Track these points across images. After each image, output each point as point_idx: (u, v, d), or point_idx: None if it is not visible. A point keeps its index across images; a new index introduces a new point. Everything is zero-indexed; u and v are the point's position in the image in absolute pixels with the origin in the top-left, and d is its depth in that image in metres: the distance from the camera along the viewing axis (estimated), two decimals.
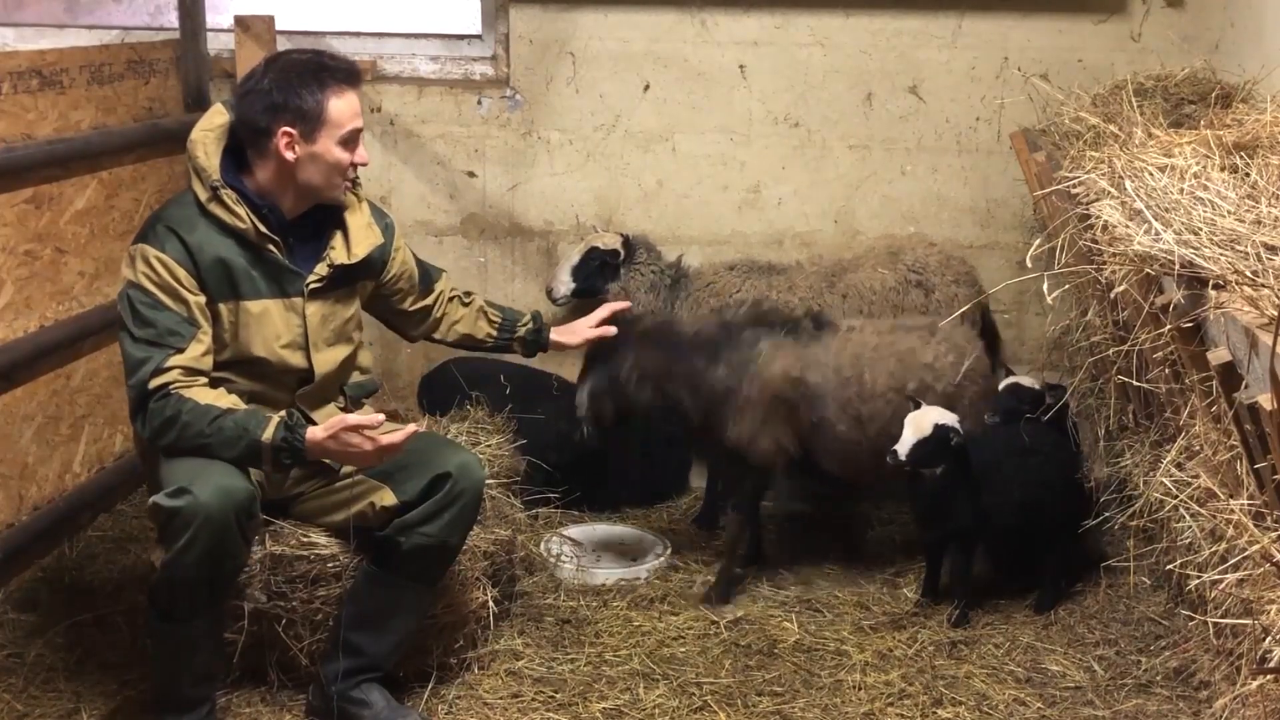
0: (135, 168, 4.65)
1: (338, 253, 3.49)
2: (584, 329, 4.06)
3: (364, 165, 3.45)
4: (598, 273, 4.88)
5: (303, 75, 3.33)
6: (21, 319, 4.10)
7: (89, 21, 5.39)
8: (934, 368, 4.28)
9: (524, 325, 3.98)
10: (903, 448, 3.90)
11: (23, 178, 4.05)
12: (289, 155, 3.32)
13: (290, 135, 3.31)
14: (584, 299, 4.93)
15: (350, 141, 3.38)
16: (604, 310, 4.11)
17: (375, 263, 3.61)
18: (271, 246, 3.37)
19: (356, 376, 3.67)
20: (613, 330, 4.07)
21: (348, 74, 3.38)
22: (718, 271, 4.95)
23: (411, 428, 3.33)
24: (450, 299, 3.90)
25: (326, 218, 3.50)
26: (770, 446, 4.23)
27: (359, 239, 3.53)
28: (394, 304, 3.77)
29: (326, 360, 3.51)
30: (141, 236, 3.35)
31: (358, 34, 5.28)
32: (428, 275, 3.84)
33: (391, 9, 5.32)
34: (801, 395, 4.19)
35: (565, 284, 4.92)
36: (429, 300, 3.84)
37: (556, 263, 5.07)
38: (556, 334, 4.05)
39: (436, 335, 3.92)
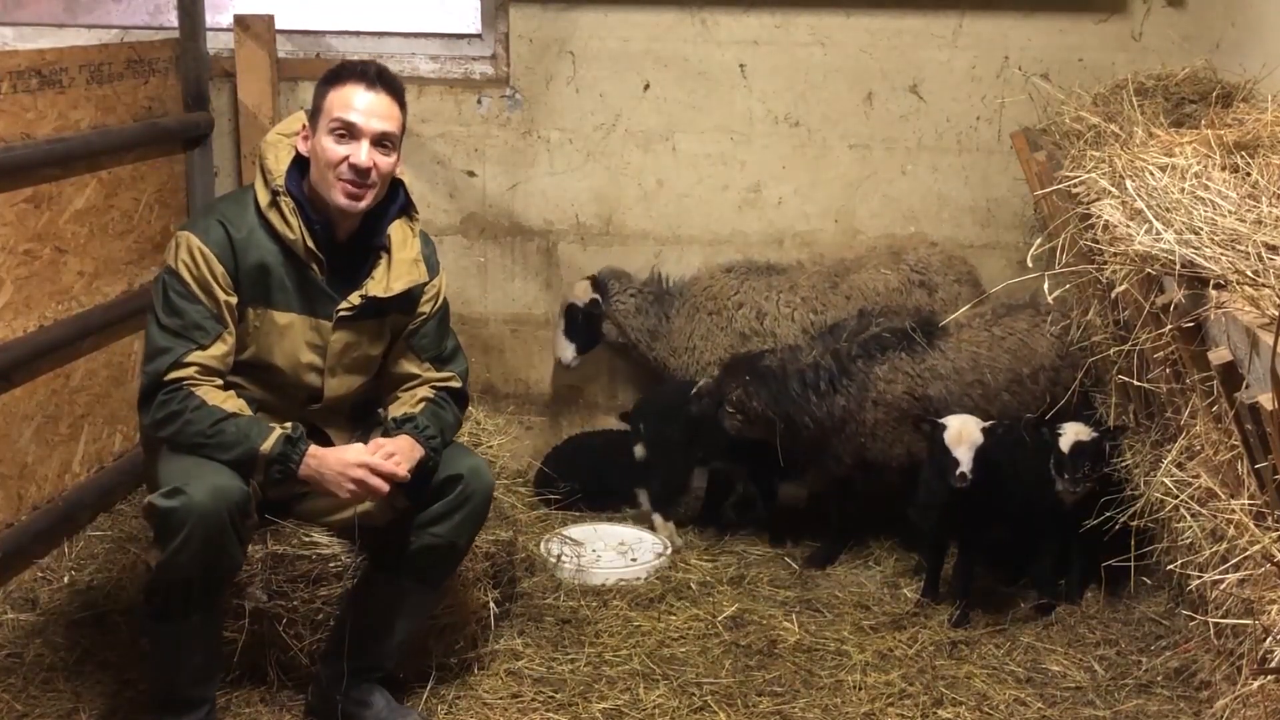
0: (134, 167, 4.65)
1: (375, 284, 3.41)
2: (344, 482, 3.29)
3: (359, 166, 3.27)
4: (585, 325, 4.93)
5: (326, 74, 3.37)
6: (21, 319, 4.09)
7: (88, 21, 5.39)
8: (1042, 349, 4.43)
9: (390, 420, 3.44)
10: (966, 467, 3.91)
11: (22, 177, 4.04)
12: (303, 149, 3.34)
13: (306, 129, 3.35)
14: (590, 352, 5.04)
15: (342, 134, 3.29)
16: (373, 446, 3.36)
17: (413, 299, 3.49)
18: (314, 265, 3.35)
19: (371, 399, 3.64)
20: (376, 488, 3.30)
21: (358, 72, 3.34)
22: (714, 275, 4.95)
23: (400, 475, 3.25)
24: (421, 387, 3.52)
25: (375, 245, 3.43)
26: (904, 453, 4.40)
27: (400, 273, 3.44)
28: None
29: (338, 386, 3.50)
30: (191, 223, 3.37)
31: (358, 34, 5.28)
32: (433, 352, 3.53)
33: (391, 9, 5.32)
34: (926, 410, 4.30)
35: (568, 349, 4.98)
36: (411, 370, 3.52)
37: (553, 331, 5.09)
38: (313, 483, 3.33)
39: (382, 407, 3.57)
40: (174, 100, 4.89)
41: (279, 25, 5.03)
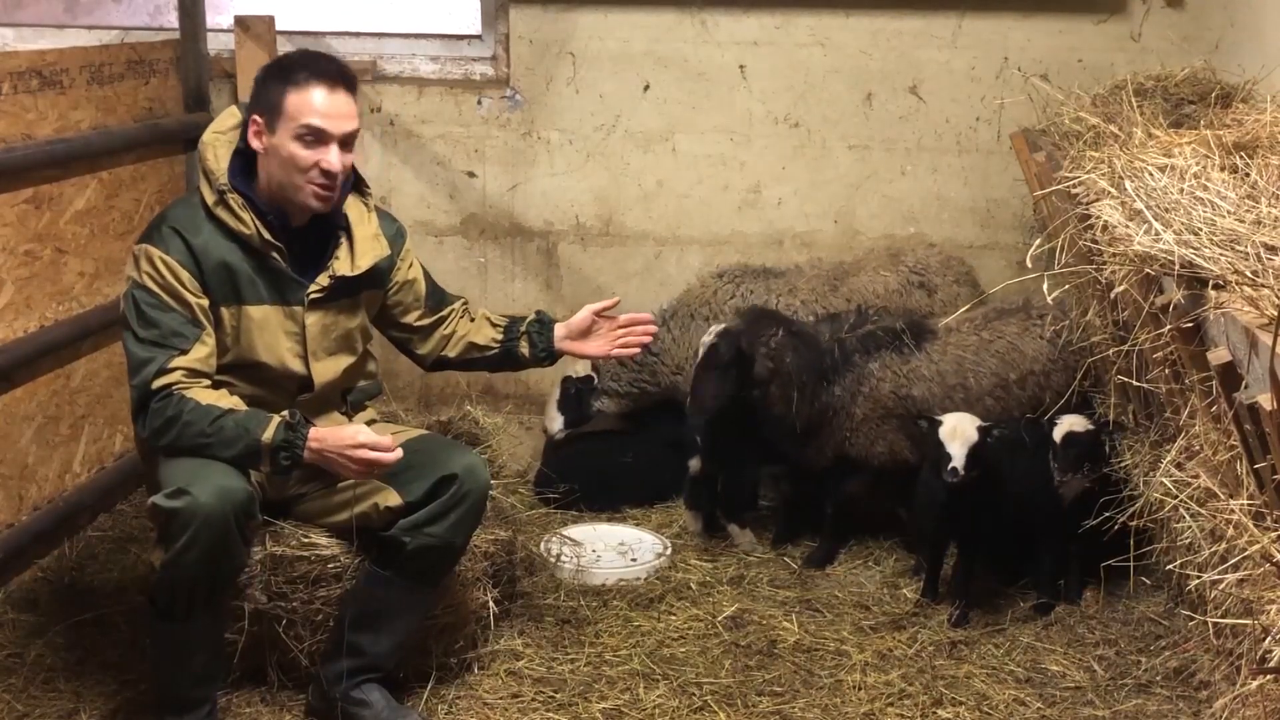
0: (135, 168, 4.65)
1: (341, 263, 3.46)
2: (601, 343, 3.79)
3: (331, 171, 3.28)
4: (577, 400, 4.96)
5: (279, 67, 3.36)
6: (21, 319, 4.09)
7: (89, 21, 5.39)
8: (1031, 353, 4.43)
9: (528, 321, 3.80)
10: (959, 463, 3.92)
11: (23, 178, 4.05)
12: (256, 144, 3.32)
13: (257, 124, 3.32)
14: (580, 426, 5.04)
15: (309, 139, 3.27)
16: (588, 311, 3.79)
17: (381, 274, 3.58)
18: (275, 254, 3.36)
19: (360, 382, 3.67)
20: (643, 340, 3.82)
21: (319, 71, 3.30)
22: (705, 282, 4.94)
23: (396, 455, 3.27)
24: (460, 317, 3.79)
25: (333, 227, 3.47)
26: (885, 451, 4.42)
27: (364, 250, 3.49)
28: (396, 316, 3.71)
29: (326, 370, 3.51)
30: (146, 237, 3.35)
31: (358, 34, 5.28)
32: (438, 294, 3.76)
33: (391, 9, 5.32)
34: (908, 410, 4.32)
35: (557, 420, 5.01)
36: (437, 316, 3.75)
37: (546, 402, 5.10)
38: (569, 344, 3.79)
39: (446, 353, 3.79)
40: (174, 101, 4.90)
41: (279, 26, 5.03)
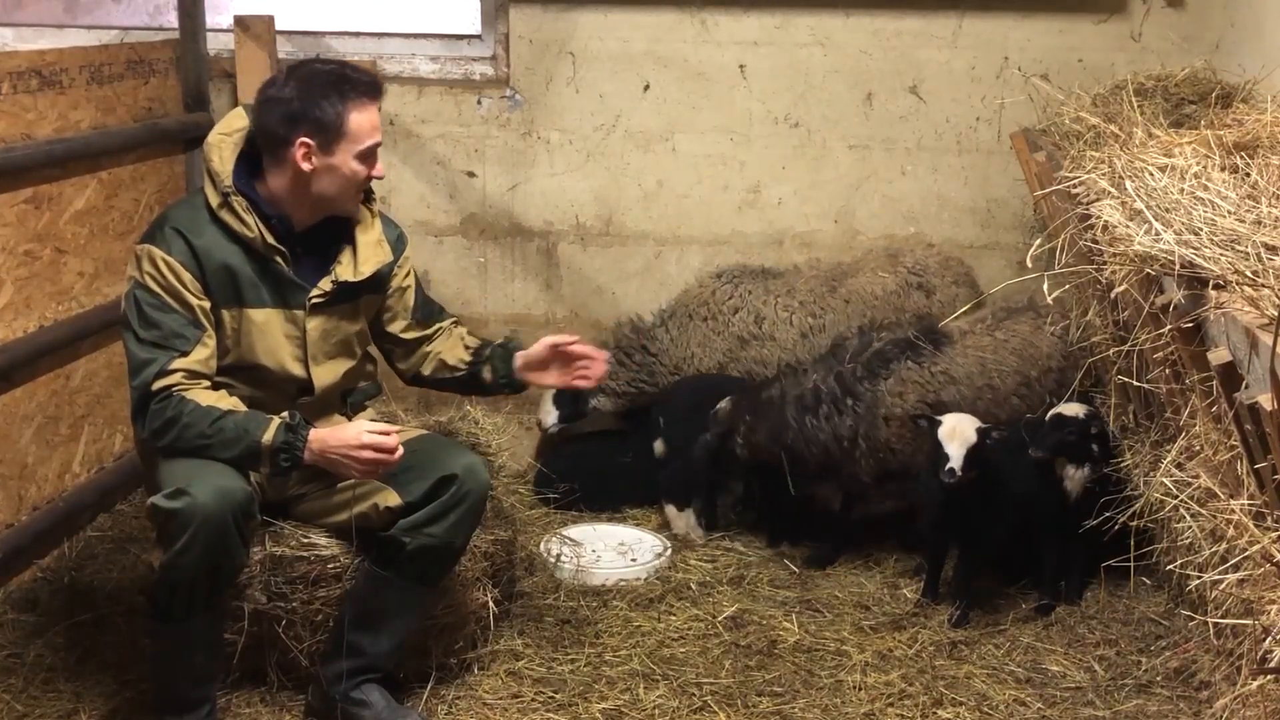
0: (135, 168, 4.65)
1: (344, 269, 3.46)
2: (558, 374, 3.68)
3: (379, 179, 3.43)
4: (573, 396, 4.92)
5: (325, 86, 3.29)
6: (21, 319, 4.09)
7: (88, 21, 5.39)
8: (1046, 350, 4.44)
9: (493, 347, 3.71)
10: (956, 464, 3.91)
11: (22, 178, 4.04)
12: (305, 166, 3.29)
13: (308, 146, 3.28)
14: (574, 422, 5.04)
15: (369, 156, 3.34)
16: (545, 344, 3.67)
17: (382, 279, 3.57)
18: (278, 258, 3.36)
19: (360, 384, 3.67)
20: (597, 372, 3.68)
21: (370, 87, 3.34)
22: (703, 283, 4.93)
23: (400, 452, 3.28)
24: (444, 337, 3.73)
25: (336, 231, 3.47)
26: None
27: (367, 256, 3.49)
28: (383, 323, 3.67)
29: (326, 373, 3.51)
30: (149, 236, 3.35)
31: (357, 34, 5.28)
32: (429, 307, 3.72)
33: (391, 9, 5.32)
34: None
35: (552, 414, 4.99)
36: (424, 332, 3.70)
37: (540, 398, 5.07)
38: (527, 373, 3.67)
39: (422, 370, 3.72)
40: (174, 101, 4.90)
41: (279, 26, 5.03)
